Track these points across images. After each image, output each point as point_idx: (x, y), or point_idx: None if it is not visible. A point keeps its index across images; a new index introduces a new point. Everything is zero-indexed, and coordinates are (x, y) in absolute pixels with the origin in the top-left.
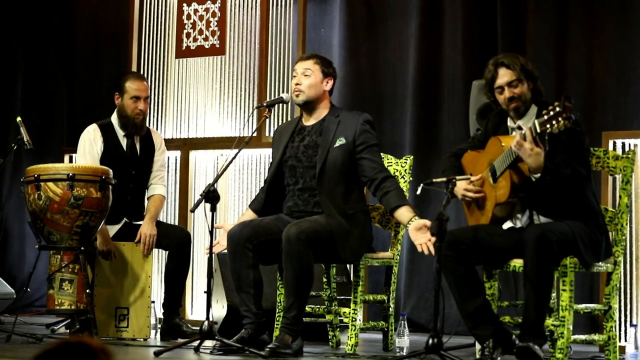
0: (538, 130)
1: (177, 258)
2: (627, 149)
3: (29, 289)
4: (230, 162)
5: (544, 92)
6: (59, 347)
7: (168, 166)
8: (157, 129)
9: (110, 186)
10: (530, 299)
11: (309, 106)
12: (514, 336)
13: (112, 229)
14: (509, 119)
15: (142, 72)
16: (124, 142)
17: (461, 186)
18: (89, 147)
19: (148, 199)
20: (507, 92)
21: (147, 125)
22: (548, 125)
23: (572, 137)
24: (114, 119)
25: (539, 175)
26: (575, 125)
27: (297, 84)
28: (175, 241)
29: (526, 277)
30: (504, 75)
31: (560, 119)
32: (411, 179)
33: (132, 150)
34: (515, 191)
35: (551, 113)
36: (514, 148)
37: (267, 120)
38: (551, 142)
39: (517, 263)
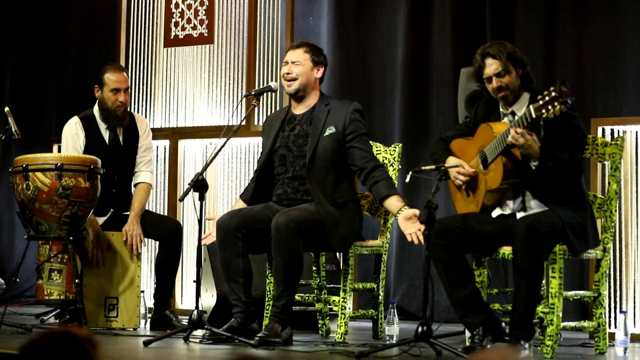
0: (533, 116)
1: (168, 249)
2: (615, 135)
3: (18, 279)
4: (219, 150)
5: (534, 78)
6: (45, 337)
7: (157, 155)
8: (145, 118)
9: (98, 176)
10: (520, 292)
11: (299, 95)
12: (503, 324)
13: (99, 220)
14: (500, 105)
15: (130, 62)
16: (106, 134)
17: (454, 168)
18: (72, 142)
19: (135, 186)
20: (495, 82)
21: (134, 112)
22: (544, 111)
23: (569, 122)
24: (96, 111)
25: (537, 163)
26: (571, 110)
27: (287, 73)
28: (166, 232)
29: (516, 269)
30: (491, 65)
31: (556, 103)
32: (400, 166)
33: (115, 142)
34: (507, 177)
35: (547, 98)
36: (511, 140)
37: (256, 108)
38: (547, 127)
39: (507, 250)
